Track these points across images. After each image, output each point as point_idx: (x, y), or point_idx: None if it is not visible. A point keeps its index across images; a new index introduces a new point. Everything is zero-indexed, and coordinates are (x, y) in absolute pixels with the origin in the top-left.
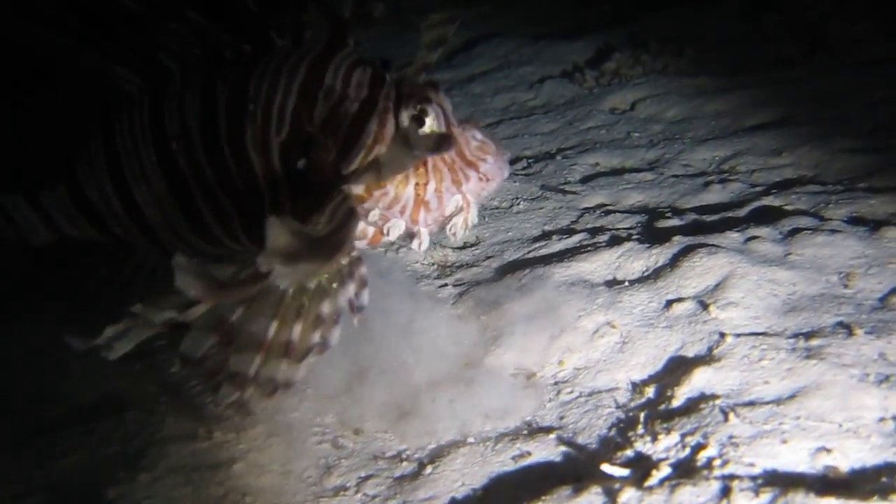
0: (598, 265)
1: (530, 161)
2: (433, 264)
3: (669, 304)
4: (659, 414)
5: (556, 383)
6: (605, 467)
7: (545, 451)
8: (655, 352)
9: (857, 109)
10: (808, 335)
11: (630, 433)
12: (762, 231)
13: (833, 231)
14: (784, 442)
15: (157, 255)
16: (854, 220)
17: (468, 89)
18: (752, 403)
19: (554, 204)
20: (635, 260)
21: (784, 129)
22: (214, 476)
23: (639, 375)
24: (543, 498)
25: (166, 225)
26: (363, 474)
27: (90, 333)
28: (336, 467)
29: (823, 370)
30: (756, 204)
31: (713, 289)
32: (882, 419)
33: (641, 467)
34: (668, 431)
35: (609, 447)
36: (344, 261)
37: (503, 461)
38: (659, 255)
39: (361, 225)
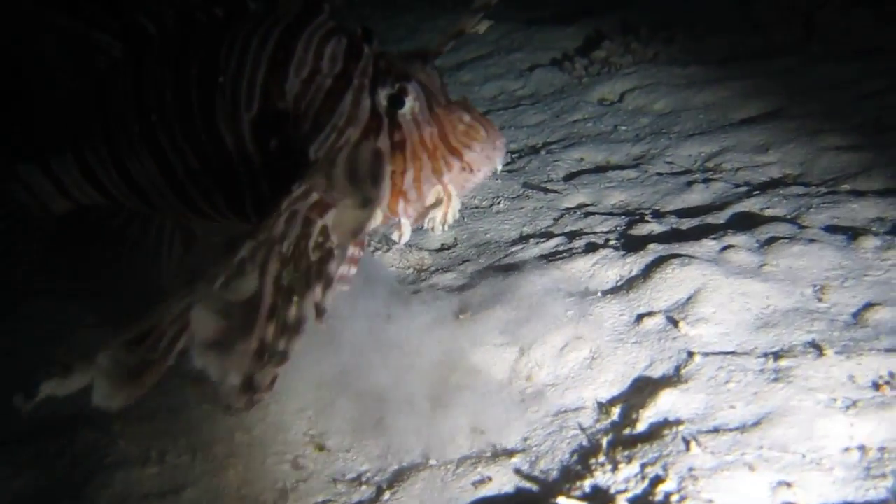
0: (572, 273)
1: (514, 156)
2: (409, 267)
3: (640, 318)
4: (622, 440)
5: (523, 400)
6: (562, 500)
7: (506, 477)
8: (624, 369)
9: (846, 103)
10: (778, 355)
11: (591, 460)
12: (739, 239)
13: (810, 240)
14: (745, 475)
15: (167, 223)
16: (833, 228)
17: (457, 77)
18: (715, 430)
19: (535, 203)
20: (609, 268)
21: (772, 124)
22: None
23: (606, 394)
24: None
25: (159, 197)
26: (320, 500)
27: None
28: (293, 491)
29: (790, 395)
30: (737, 206)
31: (685, 303)
32: (847, 449)
33: (599, 501)
34: (629, 460)
35: (569, 476)
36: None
37: (463, 486)
38: (633, 265)
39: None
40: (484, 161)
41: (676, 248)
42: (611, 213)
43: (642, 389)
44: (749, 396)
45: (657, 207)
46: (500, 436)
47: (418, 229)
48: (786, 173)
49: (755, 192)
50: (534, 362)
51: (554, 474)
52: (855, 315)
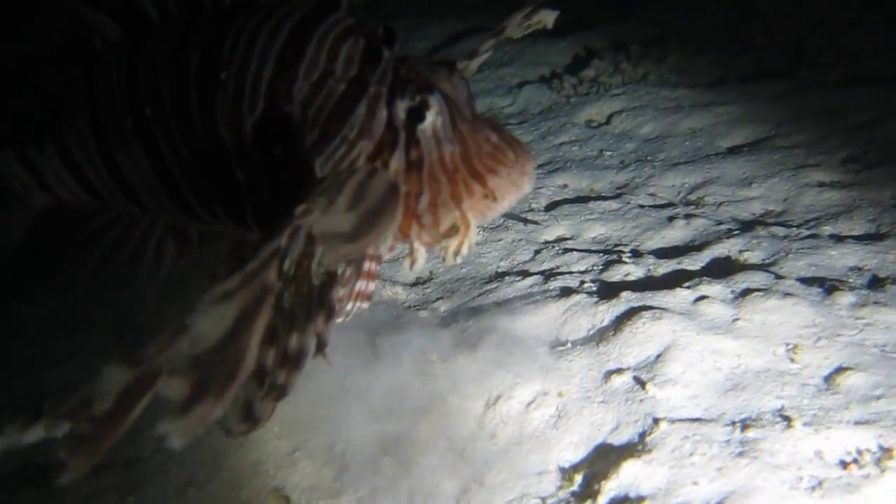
0: (543, 319)
1: None
2: (382, 303)
3: (609, 374)
4: None
5: (486, 461)
6: None
7: None
8: (590, 431)
9: (833, 134)
10: (745, 424)
11: None
12: (714, 289)
13: (786, 293)
14: None
15: (158, 225)
16: (810, 280)
17: None
18: None
19: (514, 235)
20: (582, 316)
21: (757, 154)
22: None
23: (570, 458)
24: None
25: (151, 197)
26: None
27: None
28: None
29: (755, 472)
30: (716, 248)
31: (654, 360)
32: None
33: None
34: None
35: None
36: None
37: None
38: (605, 314)
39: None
40: (509, 189)
41: (649, 297)
42: (589, 250)
43: (606, 455)
44: (713, 473)
45: (636, 244)
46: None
47: (396, 260)
48: (768, 209)
49: (735, 232)
50: (499, 418)
51: None
52: (826, 379)
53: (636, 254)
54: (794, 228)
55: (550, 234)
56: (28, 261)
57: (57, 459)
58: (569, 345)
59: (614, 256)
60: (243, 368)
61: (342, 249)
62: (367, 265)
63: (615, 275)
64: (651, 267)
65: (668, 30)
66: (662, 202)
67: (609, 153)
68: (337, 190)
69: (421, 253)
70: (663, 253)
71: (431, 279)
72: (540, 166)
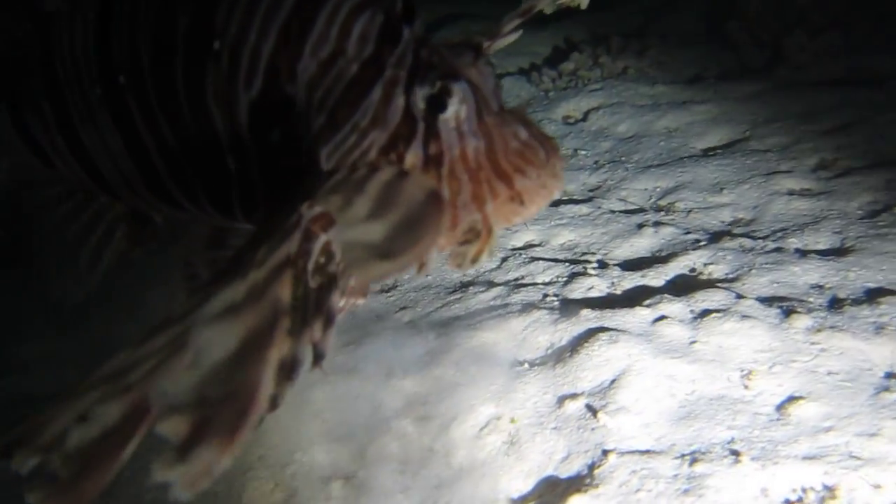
0: (504, 336)
1: None
2: (340, 312)
3: (562, 400)
4: None
5: (437, 486)
6: None
7: None
8: (540, 459)
9: (806, 139)
10: (694, 457)
11: None
12: (674, 308)
13: (743, 316)
14: None
15: (113, 208)
16: (769, 300)
17: None
18: None
19: None
20: (542, 333)
21: (730, 158)
22: None
23: (519, 488)
24: None
25: (117, 176)
26: None
27: None
28: None
29: None
30: (681, 260)
31: (608, 386)
32: None
33: None
34: None
35: None
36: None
37: None
38: (564, 332)
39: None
40: (539, 192)
41: (609, 316)
42: (556, 259)
43: (555, 487)
44: None
45: (604, 252)
46: None
47: None
48: (738, 217)
49: (702, 243)
50: (453, 442)
51: None
52: (778, 408)
53: (602, 265)
54: (761, 241)
55: (519, 240)
56: None
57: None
58: (526, 365)
59: (580, 268)
60: (256, 407)
61: (377, 269)
62: None
63: (579, 288)
64: (615, 280)
65: (650, 20)
66: (633, 207)
67: (584, 152)
68: (355, 189)
69: (431, 259)
70: (629, 264)
71: (396, 286)
72: None
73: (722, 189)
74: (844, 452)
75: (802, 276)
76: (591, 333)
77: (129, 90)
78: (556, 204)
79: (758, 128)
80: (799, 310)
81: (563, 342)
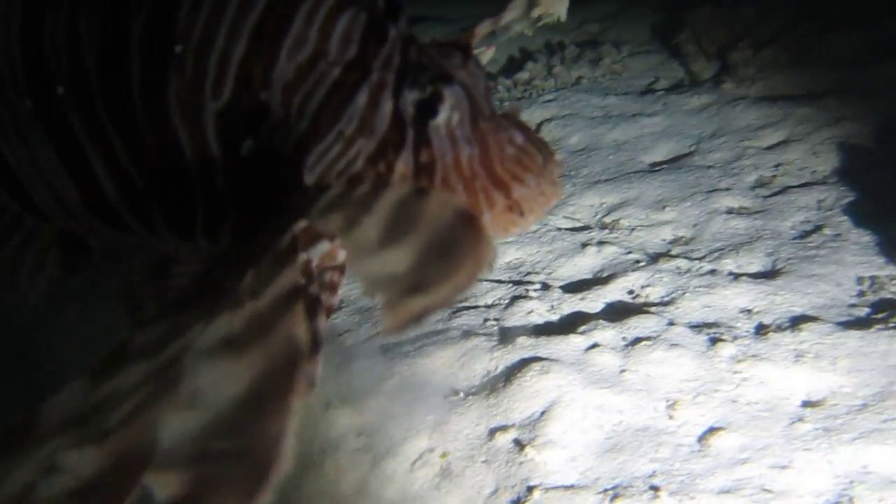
0: (441, 363)
1: None
2: None
3: (493, 432)
4: None
5: None
6: None
7: None
8: (469, 494)
9: (747, 155)
10: (616, 493)
11: None
12: (607, 335)
13: (672, 344)
14: None
15: (44, 231)
16: (699, 326)
17: None
18: None
19: None
20: (478, 361)
21: (675, 174)
22: None
23: None
24: None
25: (50, 197)
26: None
27: None
28: None
29: None
30: (620, 282)
31: (538, 418)
32: None
33: None
34: None
35: None
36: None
37: None
38: (500, 360)
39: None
40: (537, 200)
41: (544, 344)
42: (500, 280)
43: None
44: None
45: (548, 272)
46: None
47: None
48: (678, 236)
49: (641, 264)
50: (384, 476)
51: None
52: (699, 439)
53: (544, 286)
54: (697, 261)
55: None
56: None
57: None
58: (461, 395)
59: (522, 290)
60: (279, 463)
61: (412, 306)
62: (329, 276)
63: (519, 312)
64: (555, 303)
65: (605, 28)
66: (579, 225)
67: None
68: (359, 208)
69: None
70: (570, 286)
71: (343, 306)
72: None
73: (665, 206)
74: (757, 485)
75: (733, 299)
76: (525, 363)
77: (70, 102)
78: None
79: (703, 142)
80: (725, 337)
81: (498, 371)
